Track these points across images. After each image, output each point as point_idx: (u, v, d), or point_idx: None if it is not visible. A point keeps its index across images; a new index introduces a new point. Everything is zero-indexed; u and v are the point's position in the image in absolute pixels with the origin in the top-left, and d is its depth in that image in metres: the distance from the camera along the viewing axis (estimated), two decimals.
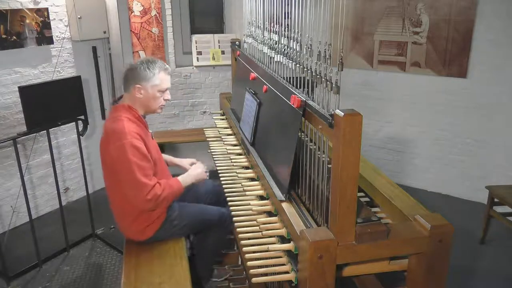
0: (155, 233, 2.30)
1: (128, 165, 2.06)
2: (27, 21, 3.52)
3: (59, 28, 3.83)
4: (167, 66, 2.24)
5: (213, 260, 2.66)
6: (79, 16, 3.75)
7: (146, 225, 2.26)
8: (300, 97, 1.73)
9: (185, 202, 2.46)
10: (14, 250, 3.40)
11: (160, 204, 2.18)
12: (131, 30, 4.31)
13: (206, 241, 2.54)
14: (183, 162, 2.67)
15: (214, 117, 3.33)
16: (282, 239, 1.71)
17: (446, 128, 4.27)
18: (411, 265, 1.59)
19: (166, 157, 2.69)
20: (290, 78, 2.00)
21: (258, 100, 2.36)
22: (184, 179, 2.33)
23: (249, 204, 1.95)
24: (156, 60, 2.21)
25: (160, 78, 2.19)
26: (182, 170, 2.60)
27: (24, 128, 3.00)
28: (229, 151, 2.60)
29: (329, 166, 1.51)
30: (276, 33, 2.24)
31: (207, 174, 2.46)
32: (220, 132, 2.98)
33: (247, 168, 2.37)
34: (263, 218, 1.83)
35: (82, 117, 3.32)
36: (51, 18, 3.71)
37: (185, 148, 4.89)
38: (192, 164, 2.62)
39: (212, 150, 2.71)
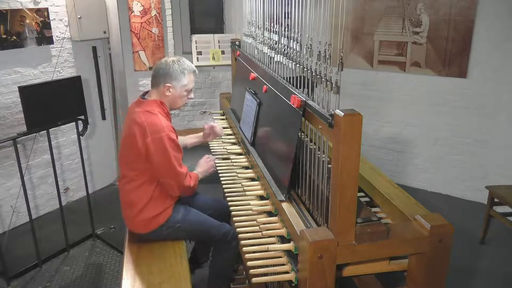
0: (159, 227, 2.32)
1: (168, 156, 2.19)
2: (27, 21, 3.52)
3: (59, 28, 3.83)
4: (195, 67, 2.36)
5: (227, 276, 2.66)
6: (79, 16, 3.75)
7: (153, 215, 2.30)
8: (300, 97, 1.73)
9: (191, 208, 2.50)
10: (14, 250, 3.40)
11: (189, 193, 2.40)
12: (131, 30, 4.31)
13: (215, 263, 2.57)
14: (205, 134, 2.76)
15: (214, 117, 3.33)
16: (282, 239, 1.71)
17: (446, 128, 4.27)
18: (411, 265, 1.59)
19: (182, 139, 2.75)
20: (290, 78, 2.00)
21: (258, 100, 2.36)
22: (199, 175, 2.48)
23: (249, 204, 1.95)
24: (185, 60, 2.33)
25: (188, 78, 2.30)
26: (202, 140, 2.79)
27: (24, 128, 3.00)
28: (229, 151, 2.61)
29: (329, 166, 1.51)
30: (276, 33, 2.24)
31: (214, 166, 2.54)
32: None
33: (247, 168, 2.37)
34: (263, 218, 1.83)
35: (82, 117, 3.32)
36: (51, 18, 3.71)
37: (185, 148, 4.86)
38: (210, 127, 2.73)
39: (212, 150, 2.72)
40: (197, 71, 2.38)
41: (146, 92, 2.37)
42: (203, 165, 2.54)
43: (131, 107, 2.35)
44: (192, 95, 2.40)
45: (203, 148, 2.86)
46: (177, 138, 2.29)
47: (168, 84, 2.26)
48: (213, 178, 2.58)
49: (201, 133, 2.78)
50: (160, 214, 2.32)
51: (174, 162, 2.21)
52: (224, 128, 3.04)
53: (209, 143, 2.87)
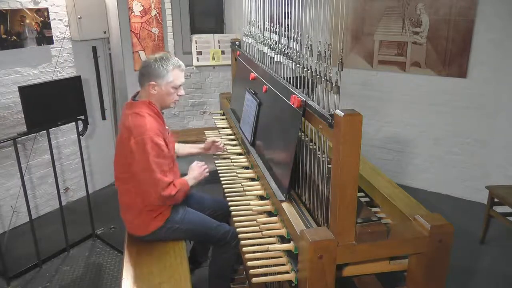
0: (157, 229, 2.31)
1: (147, 160, 2.11)
2: (27, 21, 3.52)
3: (59, 28, 3.83)
4: (180, 62, 2.27)
5: (227, 277, 2.65)
6: (79, 16, 3.75)
7: (151, 218, 2.29)
8: (300, 97, 1.73)
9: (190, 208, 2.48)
10: (14, 250, 3.40)
11: (170, 202, 2.26)
12: (131, 30, 4.31)
13: (215, 263, 2.56)
14: (205, 147, 2.67)
15: (214, 117, 3.33)
16: (282, 239, 1.71)
17: (446, 128, 4.26)
18: (411, 265, 1.59)
19: (182, 146, 2.72)
20: (290, 78, 2.00)
21: (258, 100, 2.36)
22: (189, 181, 2.36)
23: (249, 204, 1.95)
24: (169, 57, 2.24)
25: (173, 75, 2.22)
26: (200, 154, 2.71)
27: (24, 128, 3.00)
28: (229, 151, 2.61)
29: (329, 166, 1.51)
30: (276, 33, 2.24)
31: (206, 172, 2.46)
32: (220, 132, 2.98)
33: (247, 168, 2.37)
34: (263, 218, 1.83)
35: (82, 117, 3.32)
36: (51, 18, 3.71)
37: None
38: (212, 142, 2.63)
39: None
40: (183, 66, 2.28)
41: (138, 93, 2.33)
42: (195, 169, 2.43)
43: (123, 109, 2.32)
44: (181, 92, 2.31)
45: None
46: (165, 142, 2.21)
47: (152, 82, 2.20)
48: (213, 178, 2.58)
49: (200, 145, 2.72)
50: (158, 216, 2.30)
51: (154, 167, 2.12)
52: (224, 128, 3.04)
53: None
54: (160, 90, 2.23)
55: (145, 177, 2.16)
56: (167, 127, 2.39)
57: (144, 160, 2.12)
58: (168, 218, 2.32)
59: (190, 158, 2.77)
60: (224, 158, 2.56)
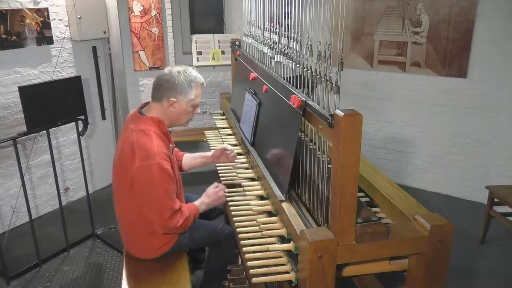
0: (163, 254, 2.20)
1: (154, 187, 1.93)
2: (27, 21, 3.52)
3: (59, 28, 3.83)
4: (203, 79, 2.11)
5: (221, 277, 2.61)
6: (79, 16, 3.75)
7: (157, 247, 2.16)
8: (300, 97, 1.74)
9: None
10: (14, 250, 3.40)
11: (176, 231, 2.09)
12: (131, 30, 4.31)
13: (214, 261, 2.49)
14: (214, 155, 2.45)
15: (214, 117, 3.33)
16: (282, 239, 1.71)
17: (446, 128, 4.26)
18: (411, 265, 1.59)
19: (188, 158, 2.51)
20: (290, 78, 2.00)
21: (258, 100, 2.36)
22: (200, 207, 2.19)
23: (249, 204, 1.96)
24: (192, 71, 2.07)
25: (196, 92, 2.05)
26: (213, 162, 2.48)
27: (24, 128, 3.00)
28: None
29: (329, 166, 1.51)
30: (276, 33, 2.24)
31: (224, 197, 2.22)
32: (220, 132, 2.98)
33: (247, 168, 2.37)
34: (263, 218, 1.83)
35: (82, 117, 3.32)
36: (51, 18, 3.71)
37: (185, 148, 4.87)
38: (222, 150, 2.41)
39: (212, 150, 2.71)
40: (205, 83, 2.11)
41: (146, 104, 2.13)
42: (211, 195, 2.21)
43: (127, 120, 2.11)
44: (198, 110, 2.12)
45: (204, 147, 2.83)
46: (171, 165, 2.01)
47: (173, 99, 2.00)
48: (212, 178, 2.57)
49: (208, 153, 2.49)
50: (165, 244, 2.16)
51: (162, 194, 1.94)
52: (224, 128, 3.04)
53: (209, 143, 2.86)
54: (180, 108, 2.04)
55: (152, 203, 1.96)
56: (171, 145, 2.17)
57: (153, 186, 1.93)
58: (175, 244, 2.18)
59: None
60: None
